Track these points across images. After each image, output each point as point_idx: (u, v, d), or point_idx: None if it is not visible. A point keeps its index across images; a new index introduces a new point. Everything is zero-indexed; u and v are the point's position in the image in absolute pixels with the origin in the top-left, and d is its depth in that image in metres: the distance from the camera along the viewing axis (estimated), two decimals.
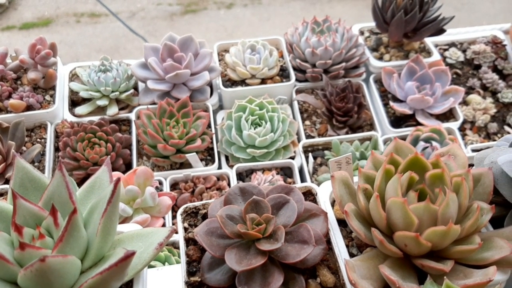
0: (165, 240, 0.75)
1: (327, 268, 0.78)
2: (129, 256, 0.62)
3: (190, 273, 0.78)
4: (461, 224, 0.72)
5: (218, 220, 0.74)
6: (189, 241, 0.82)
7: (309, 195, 0.89)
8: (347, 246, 0.82)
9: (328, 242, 0.81)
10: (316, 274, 0.77)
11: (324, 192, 0.88)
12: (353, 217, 0.75)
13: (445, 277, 0.64)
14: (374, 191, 0.77)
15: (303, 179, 1.47)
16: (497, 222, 0.82)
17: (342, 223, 0.86)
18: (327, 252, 0.80)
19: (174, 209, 1.43)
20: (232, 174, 1.45)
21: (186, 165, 1.49)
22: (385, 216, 0.72)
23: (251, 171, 1.48)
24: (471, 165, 0.93)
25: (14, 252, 0.67)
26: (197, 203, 0.86)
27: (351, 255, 0.81)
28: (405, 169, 0.77)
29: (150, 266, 1.17)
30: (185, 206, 0.86)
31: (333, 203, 0.89)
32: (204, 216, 0.86)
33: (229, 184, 1.45)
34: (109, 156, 0.93)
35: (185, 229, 0.84)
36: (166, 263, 1.22)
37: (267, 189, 0.82)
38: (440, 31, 1.69)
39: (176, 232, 0.79)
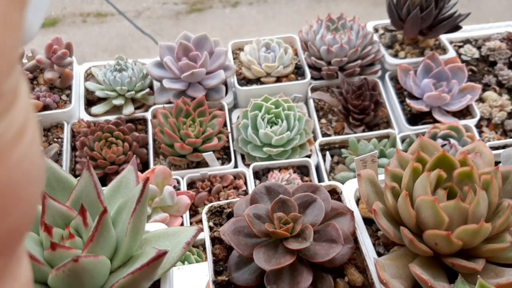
0: (192, 239, 0.75)
1: (354, 267, 0.78)
2: (161, 255, 0.62)
3: (217, 272, 0.78)
4: (492, 222, 0.71)
5: (245, 219, 0.73)
6: (215, 240, 0.82)
7: (334, 193, 0.89)
8: (373, 244, 0.81)
9: (355, 241, 0.80)
10: (344, 273, 0.77)
11: (349, 191, 0.88)
12: (381, 215, 0.74)
13: (478, 276, 0.63)
14: (402, 189, 0.76)
15: (319, 178, 1.47)
16: None
17: (367, 221, 0.85)
18: (355, 251, 0.79)
19: (192, 208, 1.43)
20: (249, 173, 1.44)
21: (202, 164, 1.49)
22: (414, 214, 0.72)
23: (268, 169, 1.48)
24: (496, 163, 0.92)
25: (44, 252, 0.67)
26: (221, 202, 0.86)
27: (378, 254, 0.80)
28: (432, 167, 0.77)
29: None
30: (210, 205, 0.86)
31: (357, 202, 0.88)
32: (229, 215, 0.85)
33: (245, 183, 1.45)
34: (134, 156, 0.93)
35: (210, 228, 0.84)
36: (186, 262, 1.22)
37: (292, 188, 0.81)
38: (456, 27, 1.67)
39: (202, 230, 0.79)
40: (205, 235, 0.82)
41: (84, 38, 3.43)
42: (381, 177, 0.84)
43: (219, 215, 0.86)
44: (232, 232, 0.75)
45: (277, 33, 1.81)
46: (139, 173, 1.29)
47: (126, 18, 3.27)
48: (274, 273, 0.72)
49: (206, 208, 0.86)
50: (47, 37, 1.59)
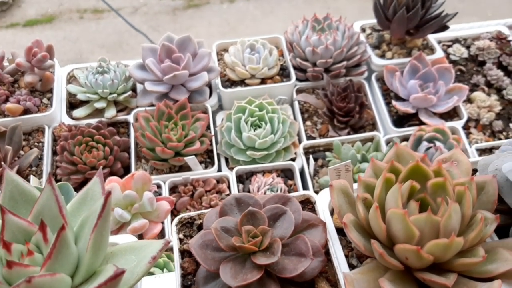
0: (158, 253, 0.73)
1: (326, 280, 0.76)
2: (118, 275, 0.60)
3: (185, 287, 0.76)
4: (464, 236, 0.69)
5: (213, 232, 0.71)
6: (184, 253, 0.80)
7: (308, 203, 0.87)
8: (346, 256, 0.79)
9: (327, 253, 0.79)
10: (315, 287, 0.75)
11: (323, 200, 0.86)
12: (352, 228, 0.72)
13: None
14: (374, 201, 0.74)
15: (304, 181, 1.45)
16: (502, 231, 0.80)
17: (341, 232, 0.83)
18: (326, 263, 0.78)
19: (174, 213, 1.41)
20: (232, 176, 1.42)
21: (185, 168, 1.47)
22: (385, 228, 0.70)
23: (251, 173, 1.46)
24: (475, 170, 0.90)
25: (2, 270, 0.65)
26: (192, 213, 0.84)
27: (351, 266, 0.78)
28: (406, 177, 0.75)
29: (149, 273, 1.16)
30: (180, 216, 0.84)
31: (332, 211, 0.86)
32: (200, 227, 0.83)
33: (229, 187, 1.43)
34: (101, 167, 0.90)
35: (180, 240, 0.82)
36: (165, 270, 1.20)
37: (263, 199, 0.79)
38: (443, 27, 1.65)
39: (167, 249, 0.77)
40: (174, 248, 0.80)
41: (81, 34, 3.41)
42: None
43: (190, 227, 0.84)
44: (200, 246, 0.73)
45: (274, 28, 1.77)
46: (119, 179, 1.28)
47: (119, 16, 3.25)
48: None
49: (176, 220, 0.84)
50: (44, 34, 1.57)
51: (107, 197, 0.67)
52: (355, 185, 0.85)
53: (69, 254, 0.66)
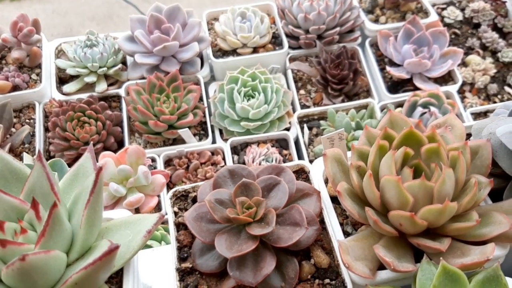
0: (153, 227, 0.73)
1: (321, 248, 0.76)
2: (113, 250, 0.60)
3: (181, 259, 0.76)
4: (458, 201, 0.69)
5: (207, 205, 0.71)
6: (180, 226, 0.80)
7: (302, 173, 0.86)
8: (341, 224, 0.80)
9: (322, 221, 0.79)
10: (310, 255, 0.75)
11: (317, 169, 0.85)
12: (346, 196, 0.72)
13: (441, 258, 0.62)
14: (367, 168, 0.74)
15: (299, 151, 1.44)
16: (496, 194, 0.80)
17: (336, 200, 0.83)
18: (321, 232, 0.78)
19: (170, 186, 1.41)
20: (227, 148, 1.42)
21: (179, 140, 1.46)
22: (379, 195, 0.70)
23: (246, 144, 1.45)
24: (469, 135, 0.90)
25: None
26: (186, 186, 0.84)
27: (346, 233, 0.79)
28: (399, 144, 0.74)
29: (147, 246, 1.16)
30: (174, 189, 0.83)
31: (326, 180, 0.86)
32: (195, 199, 0.83)
33: (224, 159, 1.43)
34: (92, 143, 0.89)
35: (175, 213, 0.82)
36: (163, 242, 1.21)
37: (257, 170, 0.79)
38: None
39: (165, 222, 0.77)
40: (169, 221, 0.80)
41: (70, 7, 3.33)
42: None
43: (184, 200, 0.84)
44: (194, 219, 0.73)
45: None
46: (112, 154, 1.27)
47: None
48: (237, 259, 0.70)
49: (170, 193, 0.83)
50: (32, 8, 1.52)
51: (99, 172, 0.67)
52: (349, 153, 0.84)
53: (63, 231, 0.66)
